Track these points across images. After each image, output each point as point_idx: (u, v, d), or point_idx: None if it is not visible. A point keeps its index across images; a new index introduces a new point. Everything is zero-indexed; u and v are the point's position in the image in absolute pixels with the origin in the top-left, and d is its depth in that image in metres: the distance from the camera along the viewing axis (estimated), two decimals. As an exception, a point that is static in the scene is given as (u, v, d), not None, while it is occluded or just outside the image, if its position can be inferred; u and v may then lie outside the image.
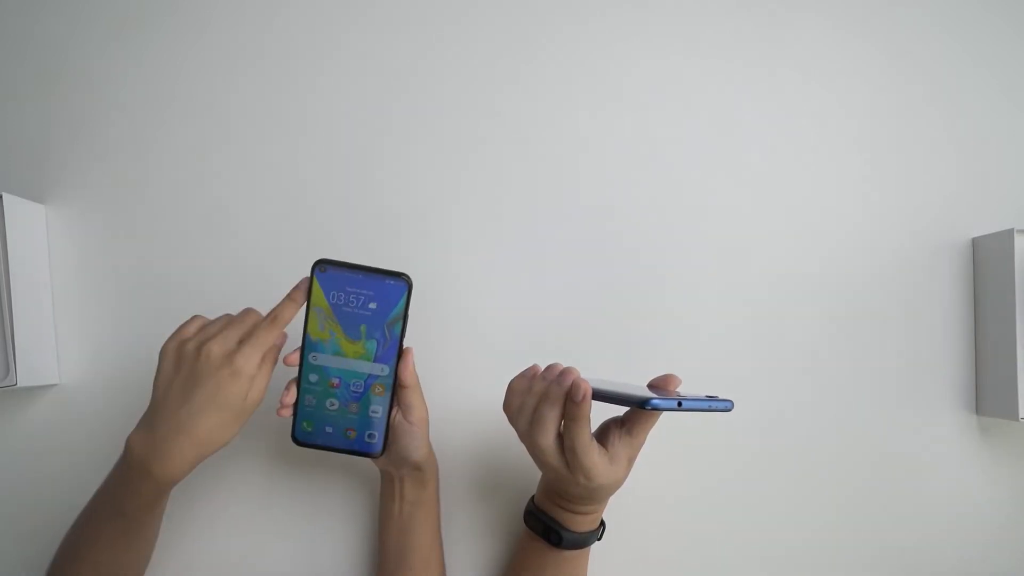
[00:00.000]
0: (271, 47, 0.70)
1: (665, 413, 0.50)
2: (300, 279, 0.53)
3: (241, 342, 0.50)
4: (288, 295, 0.52)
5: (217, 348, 0.49)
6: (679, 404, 0.46)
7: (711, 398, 0.48)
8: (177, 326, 0.53)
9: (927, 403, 0.70)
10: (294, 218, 0.68)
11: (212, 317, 0.54)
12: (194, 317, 0.54)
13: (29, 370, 0.62)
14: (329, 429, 0.55)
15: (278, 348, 0.53)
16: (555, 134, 0.70)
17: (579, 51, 0.71)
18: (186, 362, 0.50)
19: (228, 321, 0.52)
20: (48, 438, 0.66)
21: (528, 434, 0.52)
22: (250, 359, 0.50)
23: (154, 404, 0.50)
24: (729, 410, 0.47)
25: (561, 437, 0.51)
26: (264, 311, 0.53)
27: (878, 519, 0.69)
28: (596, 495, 0.53)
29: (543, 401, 0.50)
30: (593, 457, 0.50)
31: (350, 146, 0.69)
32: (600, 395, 0.49)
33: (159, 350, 0.52)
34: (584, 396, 0.48)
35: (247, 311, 0.53)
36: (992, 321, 0.68)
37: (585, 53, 0.71)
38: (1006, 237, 0.66)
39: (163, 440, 0.49)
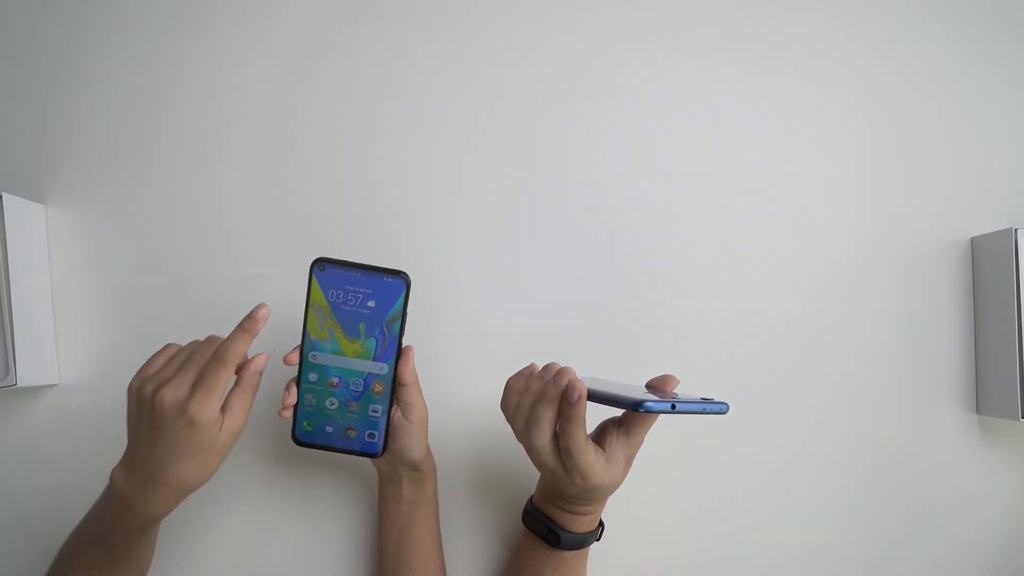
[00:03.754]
0: (271, 47, 0.70)
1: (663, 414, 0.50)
2: (256, 306, 0.49)
3: (195, 386, 0.47)
4: (240, 324, 0.48)
5: (169, 397, 0.46)
6: (673, 407, 0.46)
7: (706, 400, 0.48)
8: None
9: (927, 403, 0.70)
10: (294, 217, 0.68)
11: (185, 342, 0.52)
12: (165, 347, 0.52)
13: (29, 370, 0.62)
14: (329, 429, 0.55)
15: (252, 384, 0.50)
16: (554, 134, 0.70)
17: (578, 51, 0.71)
18: (144, 409, 0.47)
19: (187, 357, 0.49)
20: (48, 438, 0.66)
21: (524, 433, 0.52)
22: (205, 406, 0.46)
23: (129, 445, 0.49)
24: (724, 412, 0.47)
25: (557, 437, 0.51)
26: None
27: (878, 519, 0.69)
28: (593, 495, 0.53)
29: (539, 401, 0.50)
30: (589, 457, 0.50)
31: (349, 145, 0.69)
32: (595, 396, 0.49)
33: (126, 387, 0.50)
34: (579, 397, 0.48)
35: (209, 342, 0.50)
36: (993, 321, 0.68)
37: (584, 53, 0.71)
38: (1006, 236, 0.66)
39: (141, 483, 0.48)
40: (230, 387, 0.49)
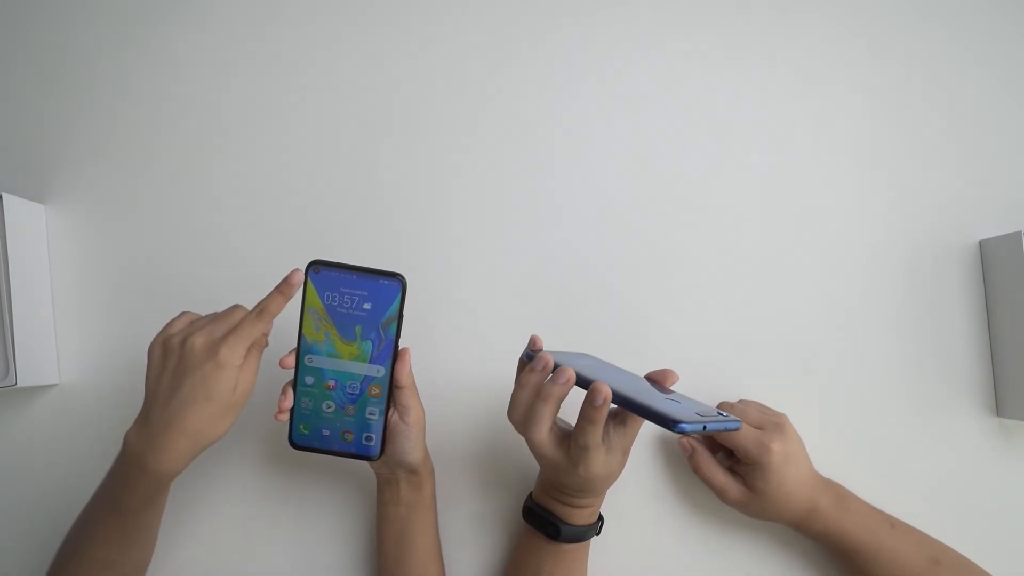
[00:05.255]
0: (270, 47, 0.70)
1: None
2: (290, 271, 0.51)
3: (226, 334, 0.49)
4: (277, 288, 0.51)
5: (201, 340, 0.49)
6: (704, 428, 0.45)
7: (723, 416, 0.47)
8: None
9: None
10: (294, 218, 0.68)
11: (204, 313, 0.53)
12: (182, 313, 0.53)
13: (29, 370, 0.62)
14: (326, 432, 0.55)
15: (265, 340, 0.52)
16: (555, 133, 0.69)
17: (578, 51, 0.70)
18: (172, 356, 0.50)
19: (215, 316, 0.52)
20: (48, 438, 0.66)
21: (522, 427, 0.52)
22: (234, 350, 0.49)
23: (147, 400, 0.51)
24: (739, 429, 0.47)
25: (553, 431, 0.52)
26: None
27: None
28: (592, 485, 0.53)
29: (537, 398, 0.50)
30: (601, 455, 0.50)
31: (348, 146, 0.69)
32: (621, 401, 0.48)
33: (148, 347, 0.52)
34: (604, 401, 0.47)
35: (235, 307, 0.52)
36: (1008, 323, 0.66)
37: (584, 53, 0.70)
38: (1015, 240, 0.64)
39: (157, 435, 0.49)
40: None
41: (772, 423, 0.59)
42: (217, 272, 0.67)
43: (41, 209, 0.67)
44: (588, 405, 0.48)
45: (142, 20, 0.70)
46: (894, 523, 0.60)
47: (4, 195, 0.61)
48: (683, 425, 0.44)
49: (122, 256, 0.68)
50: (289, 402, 0.53)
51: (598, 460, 0.50)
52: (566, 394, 0.50)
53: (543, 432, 0.51)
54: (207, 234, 0.68)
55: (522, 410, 0.52)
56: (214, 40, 0.70)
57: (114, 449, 0.52)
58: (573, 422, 0.53)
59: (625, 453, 0.53)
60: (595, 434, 0.49)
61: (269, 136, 0.69)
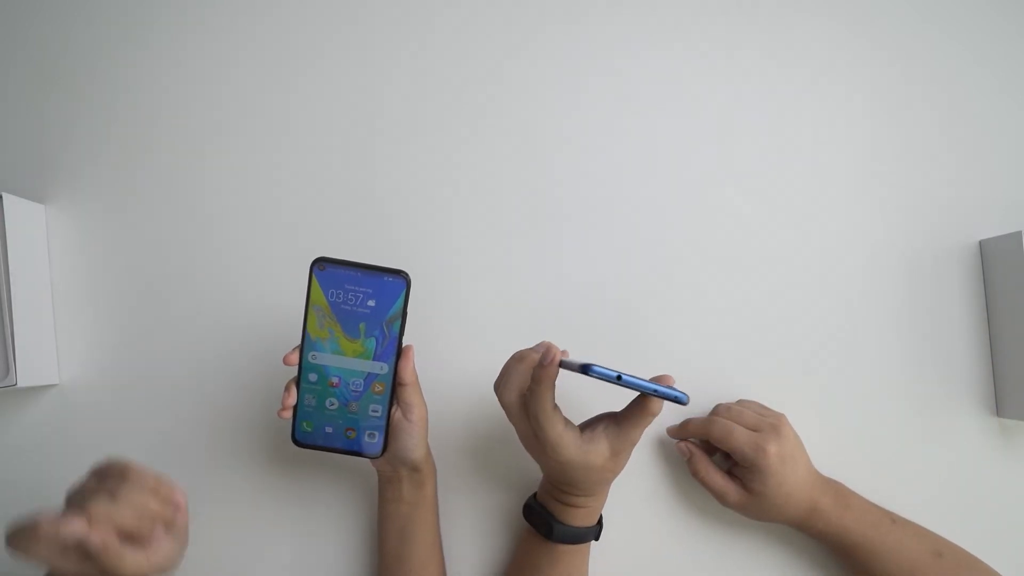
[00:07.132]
0: (269, 47, 0.70)
1: (668, 406, 0.49)
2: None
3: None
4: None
5: None
6: (618, 377, 0.46)
7: (669, 388, 0.47)
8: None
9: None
10: (294, 218, 0.68)
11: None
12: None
13: (29, 370, 0.61)
14: (329, 429, 0.55)
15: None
16: (555, 133, 0.69)
17: (579, 50, 0.70)
18: None
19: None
20: (48, 438, 0.65)
21: (498, 390, 0.53)
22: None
23: None
24: (683, 403, 0.47)
25: (523, 398, 0.52)
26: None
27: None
28: (573, 477, 0.52)
29: (512, 359, 0.53)
30: (558, 428, 0.50)
31: (348, 144, 0.69)
32: (564, 364, 0.49)
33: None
34: (551, 360, 0.48)
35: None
36: (1008, 323, 0.66)
37: (584, 52, 0.70)
38: (1015, 239, 0.64)
39: None
40: None
41: (768, 424, 0.59)
42: (217, 271, 0.67)
43: (41, 209, 0.66)
44: (537, 365, 0.49)
45: (142, 20, 0.70)
46: (895, 519, 0.60)
47: (4, 195, 0.61)
48: (596, 368, 0.45)
49: (122, 256, 0.67)
50: (292, 399, 0.53)
51: (564, 443, 0.50)
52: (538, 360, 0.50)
53: (511, 395, 0.52)
54: (207, 233, 0.67)
55: (503, 375, 0.53)
56: (214, 40, 0.70)
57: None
58: (574, 418, 0.53)
59: (616, 455, 0.52)
60: (543, 398, 0.49)
61: (269, 136, 0.69)
